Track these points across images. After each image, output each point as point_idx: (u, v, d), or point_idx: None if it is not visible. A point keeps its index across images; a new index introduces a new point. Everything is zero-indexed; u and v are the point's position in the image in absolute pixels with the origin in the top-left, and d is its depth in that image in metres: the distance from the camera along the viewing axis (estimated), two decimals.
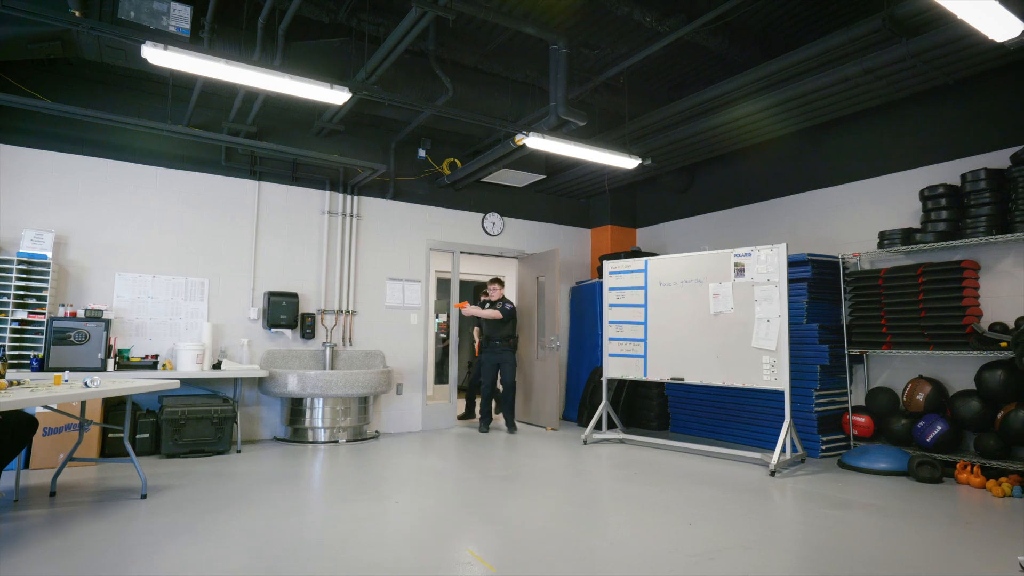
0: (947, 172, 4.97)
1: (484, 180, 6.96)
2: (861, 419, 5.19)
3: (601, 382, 6.09)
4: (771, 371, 4.88)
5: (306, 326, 6.03)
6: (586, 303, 7.50)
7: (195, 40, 4.41)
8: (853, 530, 3.26)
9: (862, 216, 5.55)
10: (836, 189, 5.83)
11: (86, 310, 4.93)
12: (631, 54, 5.02)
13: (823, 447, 5.22)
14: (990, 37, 3.48)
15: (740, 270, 5.15)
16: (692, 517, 3.47)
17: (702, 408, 6.27)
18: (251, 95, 5.17)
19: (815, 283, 5.47)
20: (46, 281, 4.75)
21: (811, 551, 2.97)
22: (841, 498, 3.94)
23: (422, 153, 6.83)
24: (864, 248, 5.40)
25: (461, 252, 7.17)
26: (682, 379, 5.47)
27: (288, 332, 5.99)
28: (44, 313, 4.74)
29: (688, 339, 5.43)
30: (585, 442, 5.77)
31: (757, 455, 5.01)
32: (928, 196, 4.92)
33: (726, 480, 4.41)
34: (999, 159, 4.68)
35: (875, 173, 5.52)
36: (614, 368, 5.98)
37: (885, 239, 5.14)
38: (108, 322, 4.90)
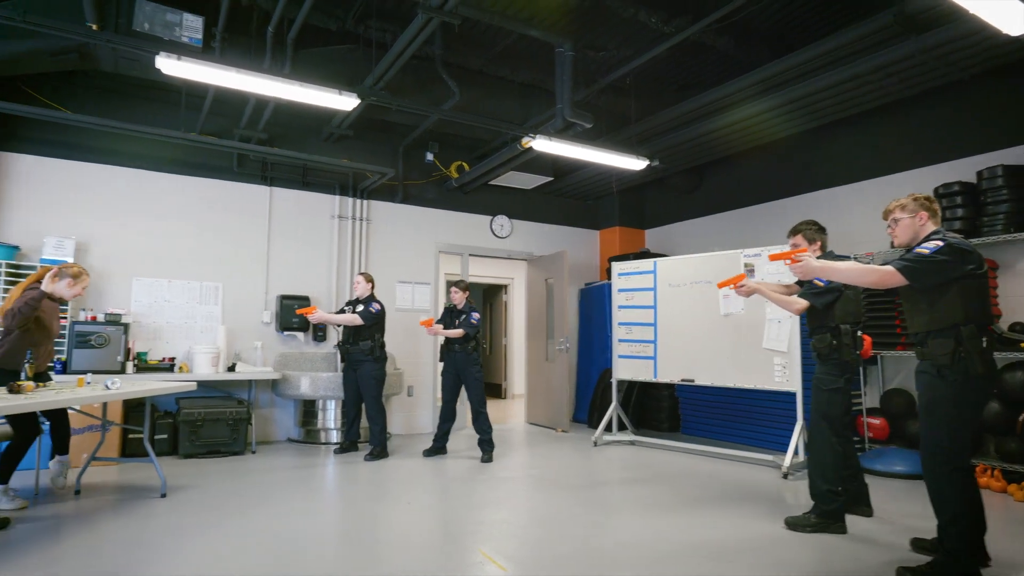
0: (962, 169, 4.90)
1: (492, 183, 6.99)
2: (876, 421, 5.13)
3: (611, 383, 6.08)
4: (782, 372, 4.85)
5: (318, 329, 6.10)
6: (595, 305, 7.49)
7: (207, 50, 4.49)
8: (867, 533, 3.23)
9: (875, 215, 5.45)
10: (848, 188, 5.76)
11: (106, 314, 5.04)
12: (637, 55, 5.02)
13: None
14: (1004, 31, 3.43)
15: (751, 270, 5.12)
16: (704, 519, 3.46)
17: (713, 410, 6.23)
18: (262, 102, 5.24)
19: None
20: None
21: (826, 554, 2.95)
22: None
23: (430, 157, 6.87)
24: (877, 247, 5.33)
25: (470, 255, 7.20)
26: (692, 381, 5.45)
27: (300, 335, 6.06)
28: (66, 317, 4.85)
29: (698, 340, 5.41)
30: (595, 444, 5.77)
31: (769, 457, 4.97)
32: (943, 194, 4.85)
33: (738, 482, 4.39)
34: (1017, 155, 4.60)
35: (888, 171, 5.46)
36: (624, 370, 5.97)
37: None
38: (127, 326, 5.00)
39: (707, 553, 2.91)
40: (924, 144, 5.22)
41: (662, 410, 6.70)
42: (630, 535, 3.20)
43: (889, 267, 2.61)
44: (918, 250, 2.62)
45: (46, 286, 3.49)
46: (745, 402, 5.85)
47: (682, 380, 5.54)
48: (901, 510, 3.65)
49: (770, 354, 4.93)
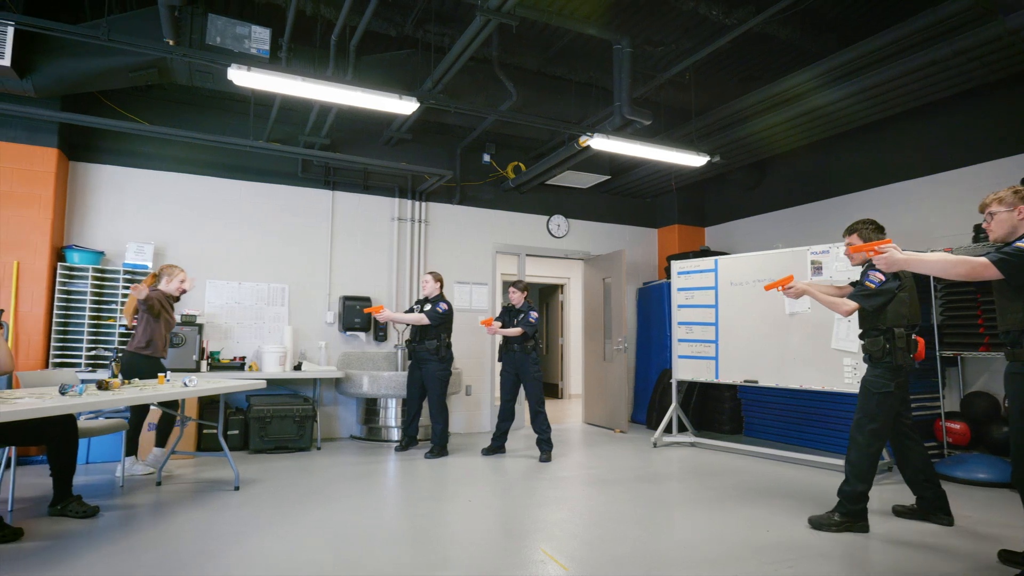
0: None
1: (548, 183, 6.99)
2: (956, 426, 4.84)
3: (670, 384, 5.98)
4: (853, 373, 4.64)
5: (379, 329, 6.25)
6: (654, 304, 7.38)
7: (274, 60, 4.67)
8: (946, 542, 3.06)
9: (954, 208, 5.17)
10: (923, 180, 5.46)
11: (182, 315, 5.31)
12: (697, 49, 4.91)
13: None
14: None
15: (818, 268, 4.93)
16: (767, 522, 3.36)
17: (778, 412, 6.02)
18: (325, 109, 5.41)
19: None
20: None
21: (899, 562, 2.80)
22: None
23: (487, 158, 6.93)
24: (957, 243, 5.03)
25: (527, 255, 7.22)
26: (756, 381, 5.29)
27: (362, 335, 6.23)
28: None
29: (762, 340, 5.25)
30: (655, 445, 5.68)
31: (838, 461, 4.77)
32: None
33: (804, 486, 4.23)
34: None
35: (968, 162, 5.14)
36: (684, 370, 5.85)
37: (981, 232, 4.77)
38: (201, 326, 5.27)
39: (770, 556, 2.82)
40: (1009, 131, 4.88)
41: (724, 412, 6.54)
42: (690, 536, 3.15)
43: (983, 259, 2.48)
44: (1018, 244, 2.48)
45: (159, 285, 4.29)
46: (812, 404, 5.63)
47: (745, 381, 5.38)
48: (984, 519, 3.44)
49: (839, 355, 4.74)
